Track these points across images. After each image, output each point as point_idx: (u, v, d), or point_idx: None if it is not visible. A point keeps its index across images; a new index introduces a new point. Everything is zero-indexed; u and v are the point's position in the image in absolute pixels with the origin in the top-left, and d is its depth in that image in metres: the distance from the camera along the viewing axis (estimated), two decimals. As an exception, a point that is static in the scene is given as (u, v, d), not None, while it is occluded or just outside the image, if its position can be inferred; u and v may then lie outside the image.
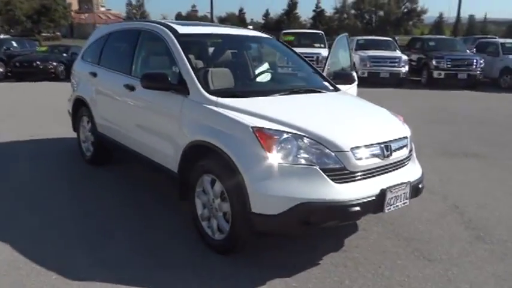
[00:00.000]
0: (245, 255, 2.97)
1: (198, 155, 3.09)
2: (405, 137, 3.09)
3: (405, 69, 13.99)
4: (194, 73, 3.25)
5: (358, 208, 2.62)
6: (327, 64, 4.32)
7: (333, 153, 2.64)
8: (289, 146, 2.63)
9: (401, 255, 3.11)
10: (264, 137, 2.66)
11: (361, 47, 14.86)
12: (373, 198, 2.69)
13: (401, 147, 3.00)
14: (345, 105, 3.47)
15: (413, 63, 15.28)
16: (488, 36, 21.75)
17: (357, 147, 2.72)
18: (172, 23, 3.89)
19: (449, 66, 13.87)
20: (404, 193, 2.87)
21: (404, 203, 2.90)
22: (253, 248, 3.02)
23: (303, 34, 16.28)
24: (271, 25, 50.91)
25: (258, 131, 2.69)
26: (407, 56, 14.74)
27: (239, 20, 56.60)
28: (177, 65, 3.37)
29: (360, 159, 2.71)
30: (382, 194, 2.72)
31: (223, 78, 3.34)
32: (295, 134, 2.68)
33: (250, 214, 2.65)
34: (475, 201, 4.16)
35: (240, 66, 3.94)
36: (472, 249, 3.25)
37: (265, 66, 4.07)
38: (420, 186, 3.07)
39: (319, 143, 2.65)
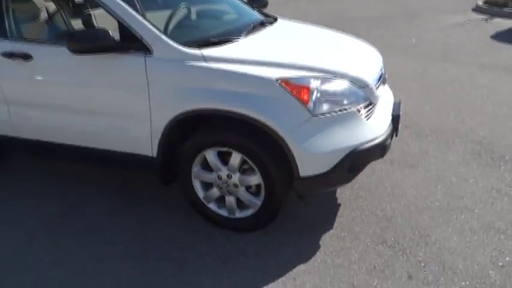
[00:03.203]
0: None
1: (188, 128, 2.46)
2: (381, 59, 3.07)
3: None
4: (150, 24, 2.41)
5: (389, 140, 2.56)
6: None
7: (361, 90, 2.43)
8: (323, 92, 2.29)
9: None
10: (294, 88, 2.24)
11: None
12: (390, 125, 2.66)
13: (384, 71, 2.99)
14: (320, 35, 3.16)
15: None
16: None
17: (375, 78, 2.58)
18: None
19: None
20: (401, 113, 2.92)
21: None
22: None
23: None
24: None
25: (285, 82, 2.24)
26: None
27: None
28: (114, 16, 2.42)
29: (377, 89, 2.59)
30: (396, 118, 2.71)
31: (182, 25, 2.58)
32: (323, 77, 2.34)
33: (298, 180, 2.31)
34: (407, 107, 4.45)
35: (174, 7, 3.08)
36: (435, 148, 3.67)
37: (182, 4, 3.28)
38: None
39: (348, 81, 2.39)
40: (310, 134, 2.25)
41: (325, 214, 2.78)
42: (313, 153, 2.26)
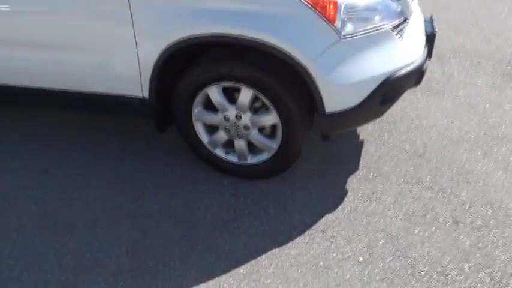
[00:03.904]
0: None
1: (185, 61, 2.02)
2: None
3: None
4: None
5: (426, 63, 2.15)
6: None
7: (395, 3, 1.97)
8: (351, 7, 1.83)
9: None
10: (317, 2, 1.77)
11: None
12: (426, 45, 2.23)
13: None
14: None
15: None
16: None
17: (410, -13, 2.11)
18: None
19: None
20: (437, 31, 2.47)
21: (431, 42, 2.54)
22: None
23: None
24: None
25: (306, -5, 1.77)
26: None
27: None
28: None
29: (412, 1, 2.13)
30: (432, 38, 2.28)
31: None
32: (350, -13, 1.86)
33: (323, 117, 1.92)
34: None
35: None
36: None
37: None
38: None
39: (379, -8, 1.92)
40: (337, 61, 1.83)
41: (348, 153, 2.42)
42: (342, 84, 1.85)
